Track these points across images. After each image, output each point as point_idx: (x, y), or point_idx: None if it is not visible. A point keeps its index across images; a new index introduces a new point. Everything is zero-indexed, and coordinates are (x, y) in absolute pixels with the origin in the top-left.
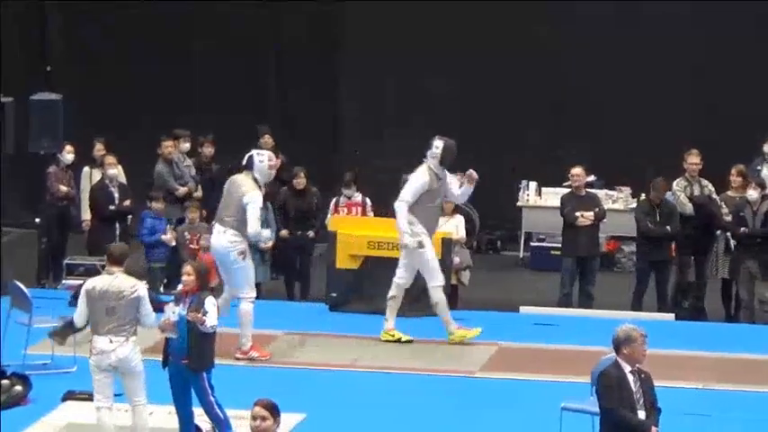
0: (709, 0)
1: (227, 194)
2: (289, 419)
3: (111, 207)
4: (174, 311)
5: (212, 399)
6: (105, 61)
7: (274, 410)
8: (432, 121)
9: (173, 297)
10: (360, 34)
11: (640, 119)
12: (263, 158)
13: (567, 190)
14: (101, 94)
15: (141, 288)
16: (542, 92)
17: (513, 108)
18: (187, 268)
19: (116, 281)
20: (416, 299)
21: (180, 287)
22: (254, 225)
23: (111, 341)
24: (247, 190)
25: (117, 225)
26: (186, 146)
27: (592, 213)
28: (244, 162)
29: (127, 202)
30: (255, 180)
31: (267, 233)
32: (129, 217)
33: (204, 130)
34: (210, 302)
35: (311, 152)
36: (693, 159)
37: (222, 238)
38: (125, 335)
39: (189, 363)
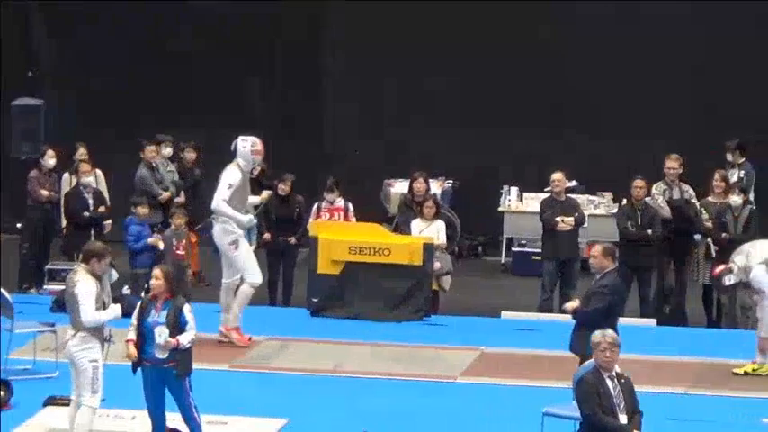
0: (710, 0)
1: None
2: (271, 424)
3: (86, 213)
4: (160, 334)
5: (192, 402)
6: (104, 61)
7: None
8: (432, 121)
9: (141, 300)
10: (359, 34)
11: (640, 119)
12: (246, 144)
13: (548, 195)
14: (100, 95)
15: (79, 285)
16: (541, 92)
17: (513, 108)
18: (156, 272)
19: (71, 274)
20: (398, 305)
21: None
22: (216, 197)
23: (67, 333)
24: (227, 173)
25: (92, 231)
26: (168, 151)
27: (572, 218)
28: (232, 148)
29: (101, 209)
30: (239, 166)
31: (228, 209)
32: (109, 223)
33: (202, 130)
34: (188, 309)
35: (311, 152)
36: (672, 164)
37: (216, 229)
38: (74, 329)
39: (175, 368)
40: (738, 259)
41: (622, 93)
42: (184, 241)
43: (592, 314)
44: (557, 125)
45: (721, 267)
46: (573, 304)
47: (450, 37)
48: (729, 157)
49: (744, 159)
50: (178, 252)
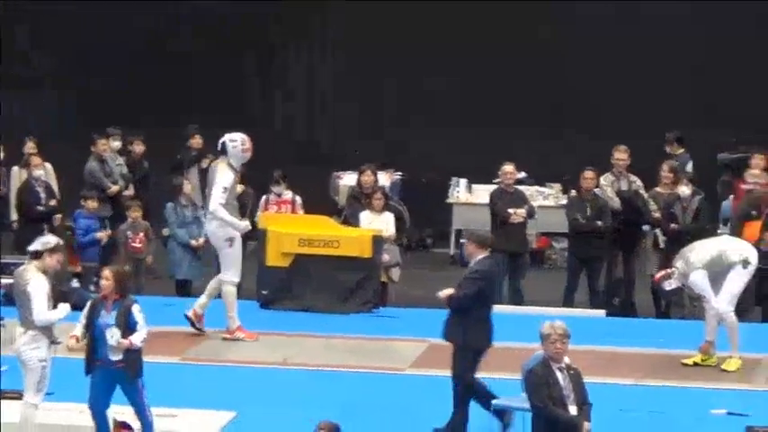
0: (709, 0)
1: (209, 183)
2: (219, 417)
3: (40, 207)
4: (112, 336)
5: (145, 401)
6: (104, 61)
7: None
8: (432, 121)
9: (91, 300)
10: (359, 34)
11: (640, 119)
12: (236, 143)
13: (498, 187)
14: (100, 95)
15: (31, 283)
16: (541, 92)
17: (513, 108)
18: (105, 272)
19: (22, 271)
20: (347, 297)
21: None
22: (212, 201)
23: (17, 330)
24: (220, 175)
25: (44, 225)
26: (117, 144)
27: (524, 210)
28: (219, 148)
29: (53, 202)
30: (230, 165)
31: (226, 214)
32: (58, 216)
33: (202, 130)
34: (137, 310)
35: (310, 152)
36: (620, 155)
37: (211, 225)
38: (24, 327)
39: (126, 368)
40: (679, 264)
41: (622, 93)
42: (141, 234)
43: (462, 300)
44: (557, 125)
45: (662, 273)
46: (447, 291)
47: (450, 37)
48: (668, 148)
49: (682, 150)
50: (134, 245)
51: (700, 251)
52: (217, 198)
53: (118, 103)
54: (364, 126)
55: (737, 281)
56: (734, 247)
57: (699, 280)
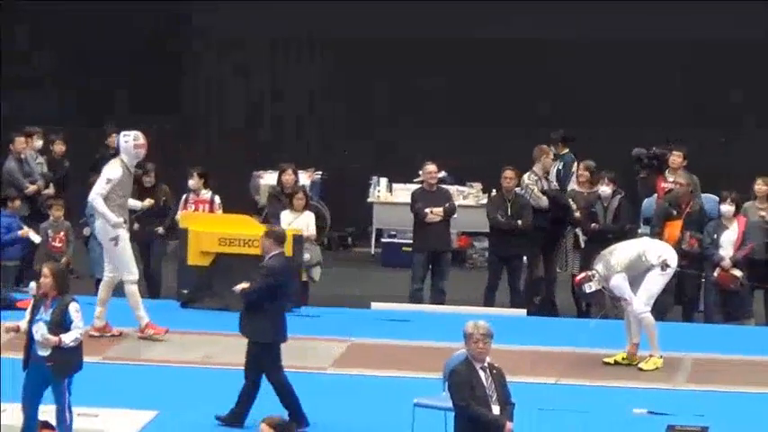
0: (699, 2)
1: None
2: (141, 416)
3: None
4: (37, 331)
5: (67, 404)
6: (104, 61)
7: (282, 428)
8: (421, 121)
9: (30, 296)
10: (347, 33)
11: (627, 119)
12: (129, 139)
13: (419, 186)
14: (100, 95)
15: None
16: (531, 93)
17: (502, 108)
18: (44, 270)
19: None
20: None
21: (32, 286)
22: (93, 191)
23: None
24: (108, 168)
25: None
26: (38, 143)
27: (441, 209)
28: (115, 145)
29: None
30: (122, 161)
31: (101, 205)
32: None
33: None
34: (74, 308)
35: (300, 152)
36: (551, 156)
37: (98, 222)
38: None
39: (53, 367)
40: (599, 267)
41: (614, 94)
42: (62, 233)
43: (250, 295)
44: (545, 126)
45: (582, 275)
46: (242, 285)
47: (441, 37)
48: (554, 149)
49: (567, 150)
50: (54, 244)
51: (619, 254)
52: (98, 189)
53: (118, 102)
54: (353, 126)
55: (656, 282)
56: (653, 249)
57: (619, 283)
